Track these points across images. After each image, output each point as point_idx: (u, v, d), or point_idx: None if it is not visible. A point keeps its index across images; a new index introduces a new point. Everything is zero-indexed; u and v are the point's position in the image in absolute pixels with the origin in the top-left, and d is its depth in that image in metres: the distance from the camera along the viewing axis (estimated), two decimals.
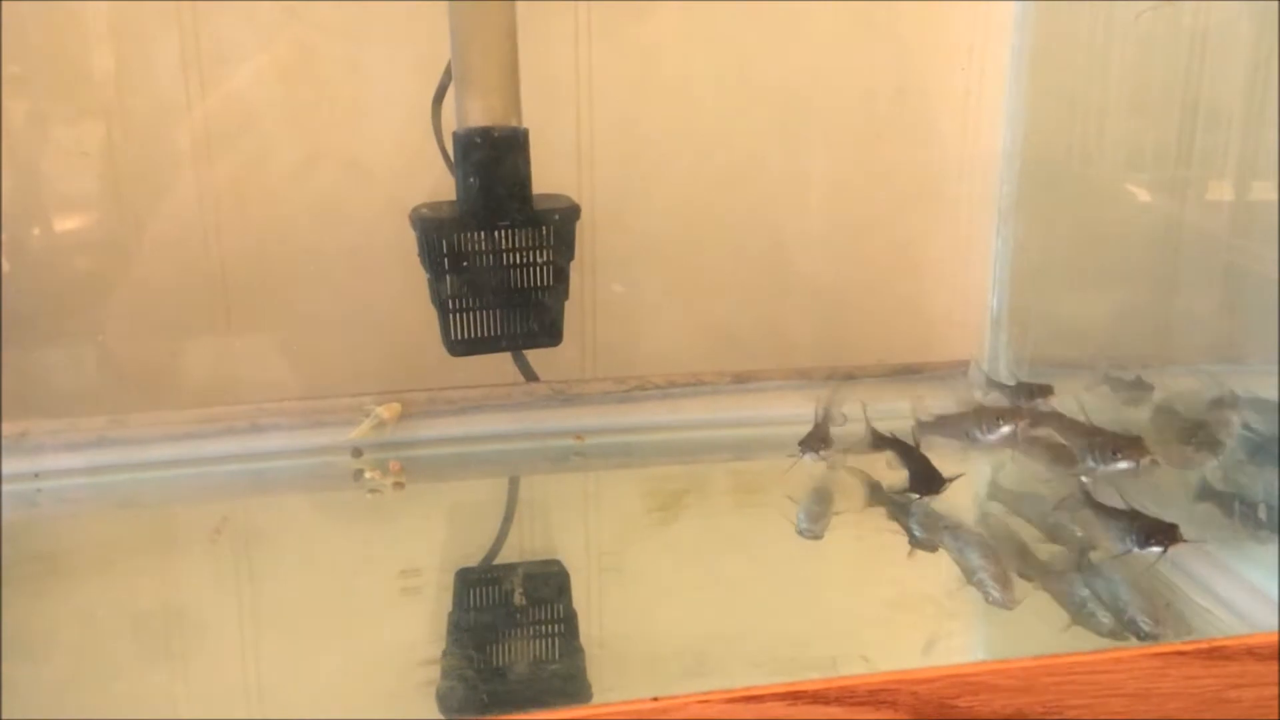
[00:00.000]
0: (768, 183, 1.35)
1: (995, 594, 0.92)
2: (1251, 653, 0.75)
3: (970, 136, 1.35)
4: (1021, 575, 0.96)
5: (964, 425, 1.11)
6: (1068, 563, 0.98)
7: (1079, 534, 1.01)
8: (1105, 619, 0.88)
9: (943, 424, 1.14)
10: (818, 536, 1.05)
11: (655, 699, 0.69)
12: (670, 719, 0.69)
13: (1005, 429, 1.09)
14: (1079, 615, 0.89)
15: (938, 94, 1.34)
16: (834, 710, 0.71)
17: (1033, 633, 0.90)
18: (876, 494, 1.13)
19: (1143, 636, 0.86)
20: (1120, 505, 0.95)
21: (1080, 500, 1.00)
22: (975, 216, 1.37)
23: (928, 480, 1.07)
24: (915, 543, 1.03)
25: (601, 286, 1.33)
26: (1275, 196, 1.07)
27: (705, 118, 1.32)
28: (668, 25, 1.29)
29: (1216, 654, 0.74)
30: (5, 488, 1.12)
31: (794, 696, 0.70)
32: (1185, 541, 0.89)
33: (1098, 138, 1.23)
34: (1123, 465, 0.98)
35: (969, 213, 1.37)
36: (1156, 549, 0.90)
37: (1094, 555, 0.97)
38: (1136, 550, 0.90)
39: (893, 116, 1.34)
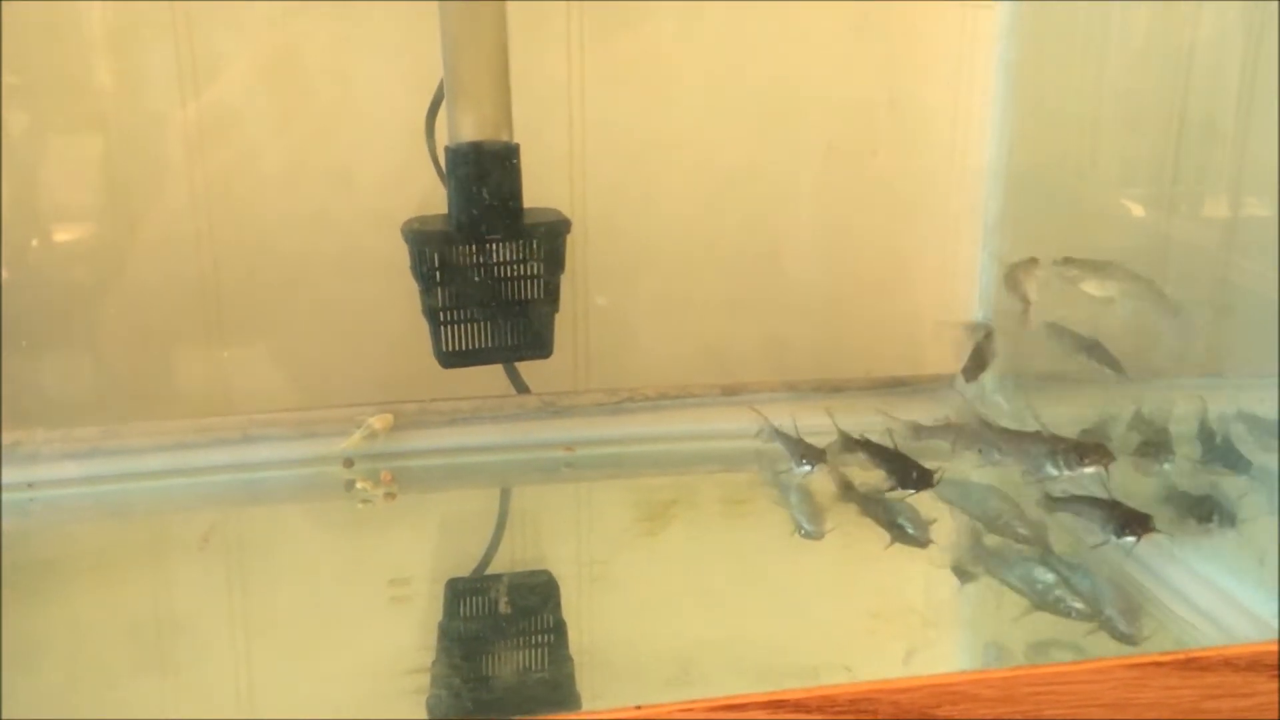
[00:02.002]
0: (758, 195, 1.35)
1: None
2: (1229, 663, 0.75)
3: (959, 148, 1.36)
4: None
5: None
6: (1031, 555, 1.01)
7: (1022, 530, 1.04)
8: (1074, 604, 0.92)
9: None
10: (820, 536, 1.06)
11: (638, 707, 0.70)
12: None
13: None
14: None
15: (927, 106, 1.35)
16: (815, 719, 0.71)
17: (1017, 641, 0.91)
18: (850, 493, 1.14)
19: (1105, 622, 0.90)
20: (1100, 496, 0.98)
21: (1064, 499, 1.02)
22: (964, 229, 1.37)
23: (920, 475, 1.08)
24: (906, 539, 1.04)
25: (593, 299, 1.34)
26: (1264, 212, 1.08)
27: (697, 130, 1.32)
28: (659, 38, 1.29)
29: (1194, 665, 0.75)
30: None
31: (775, 705, 0.71)
32: (1158, 531, 0.93)
33: (1086, 151, 1.23)
34: None
35: (958, 225, 1.38)
36: (1131, 538, 0.93)
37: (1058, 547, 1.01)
38: (1114, 540, 0.94)
39: (884, 128, 1.35)
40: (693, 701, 0.70)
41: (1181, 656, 0.75)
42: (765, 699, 0.71)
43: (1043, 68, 1.27)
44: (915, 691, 0.72)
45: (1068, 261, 1.13)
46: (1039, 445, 1.03)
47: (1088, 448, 0.99)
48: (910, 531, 1.05)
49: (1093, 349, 1.13)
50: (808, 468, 1.11)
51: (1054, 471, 1.00)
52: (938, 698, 0.73)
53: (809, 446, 1.13)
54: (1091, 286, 1.12)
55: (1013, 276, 1.16)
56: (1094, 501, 0.99)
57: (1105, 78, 1.22)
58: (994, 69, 1.31)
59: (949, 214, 1.38)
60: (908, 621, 0.95)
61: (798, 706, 0.71)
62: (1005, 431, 1.10)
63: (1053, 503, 1.03)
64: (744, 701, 0.71)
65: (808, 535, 1.07)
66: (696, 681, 0.85)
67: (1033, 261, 1.16)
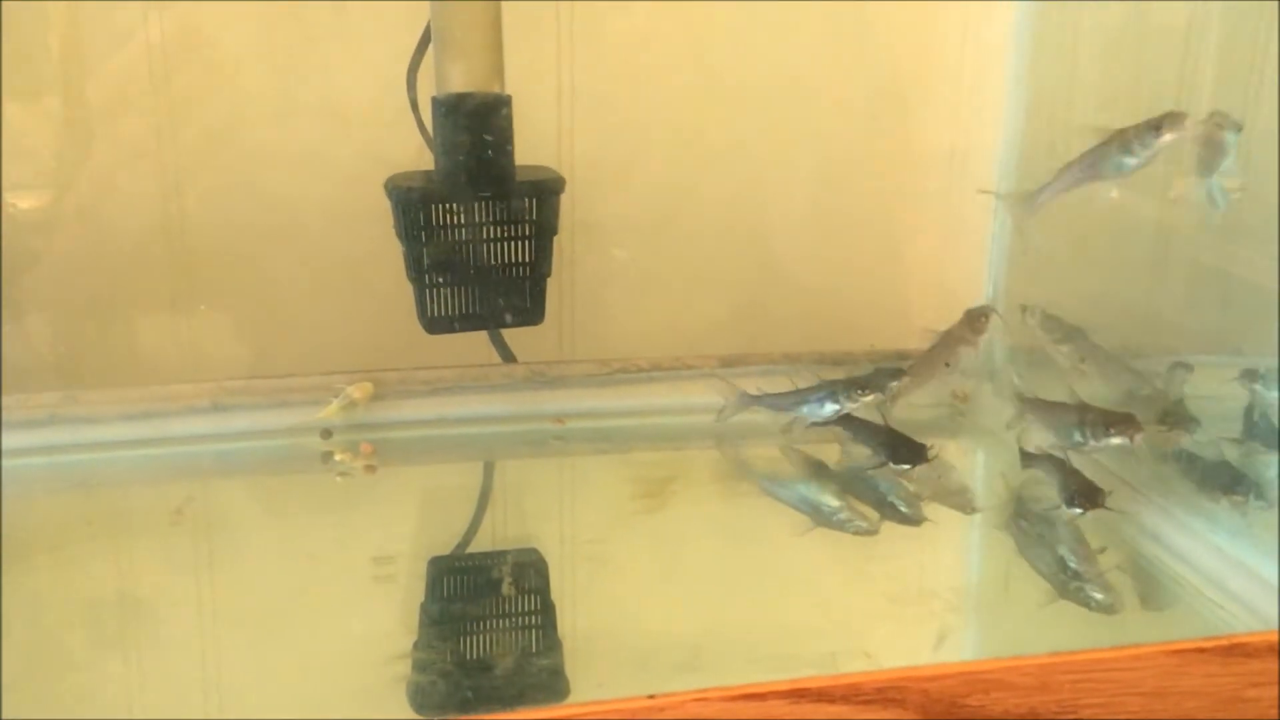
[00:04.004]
0: (756, 168, 1.32)
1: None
2: (1273, 650, 0.72)
3: (963, 125, 1.33)
4: None
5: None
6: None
7: None
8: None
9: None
10: (918, 522, 1.04)
11: (652, 697, 0.65)
12: (667, 716, 0.65)
13: None
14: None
15: (932, 82, 1.32)
16: (839, 709, 0.67)
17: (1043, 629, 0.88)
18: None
19: (1070, 575, 0.94)
20: (1069, 466, 1.01)
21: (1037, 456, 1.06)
22: (966, 205, 1.33)
23: (912, 451, 1.06)
24: (900, 517, 1.03)
25: (580, 264, 1.29)
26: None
27: (693, 99, 1.28)
28: (656, 6, 1.25)
29: (1236, 651, 0.72)
30: None
31: (797, 694, 0.67)
32: (1106, 508, 0.96)
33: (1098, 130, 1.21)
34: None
35: (960, 202, 1.34)
36: (1076, 510, 0.97)
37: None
38: (1064, 509, 0.98)
39: (886, 104, 1.32)
40: (708, 690, 0.66)
41: (1225, 643, 0.72)
42: (786, 688, 0.67)
43: (1058, 46, 1.24)
44: (945, 679, 0.69)
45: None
46: (1068, 414, 1.02)
47: (1116, 418, 0.98)
48: (903, 510, 1.04)
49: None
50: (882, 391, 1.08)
51: (1081, 440, 1.00)
52: (969, 686, 0.69)
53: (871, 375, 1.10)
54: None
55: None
56: (1059, 466, 1.02)
57: (1120, 56, 1.19)
58: (1003, 45, 1.28)
59: (954, 189, 1.34)
60: (926, 605, 0.92)
61: (820, 695, 0.67)
62: (1036, 401, 1.10)
63: (1026, 458, 1.07)
64: (764, 691, 0.67)
65: (863, 531, 1.03)
66: (708, 668, 0.82)
67: None
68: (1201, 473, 0.98)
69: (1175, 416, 1.01)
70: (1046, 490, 1.04)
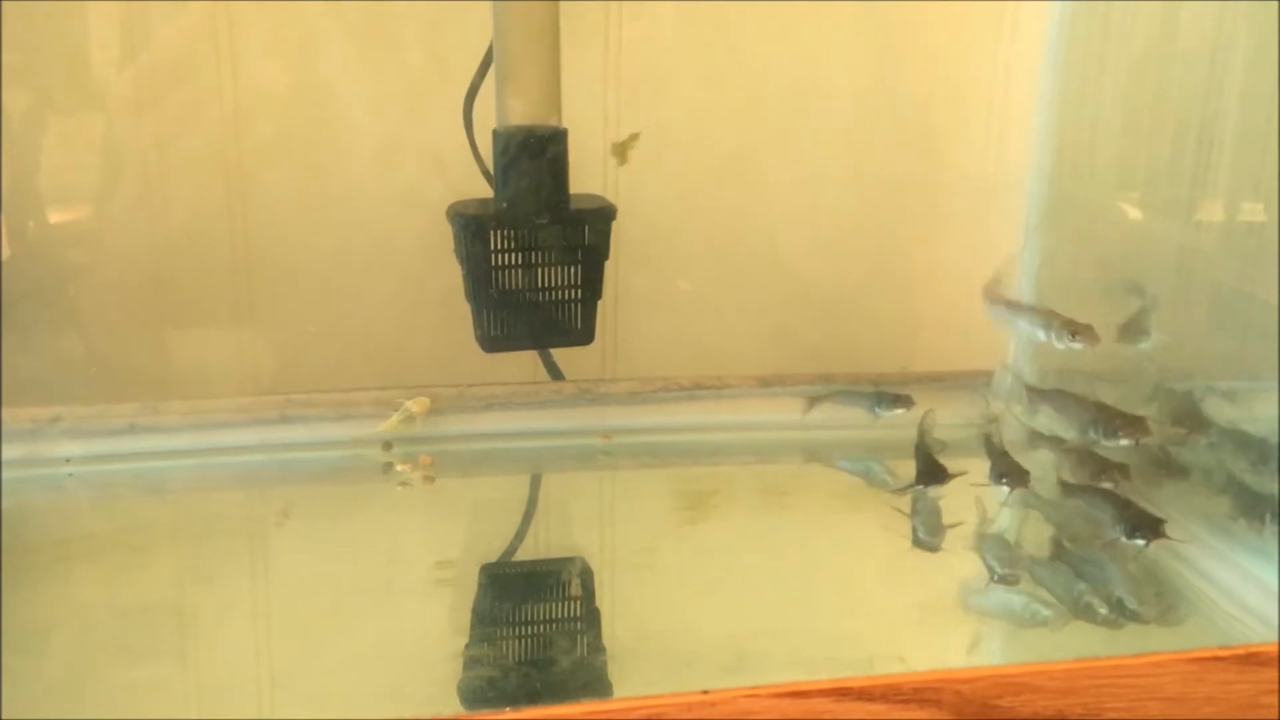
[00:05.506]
0: (794, 193, 1.35)
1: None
2: None
3: (995, 147, 1.36)
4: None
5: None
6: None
7: None
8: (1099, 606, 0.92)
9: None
10: (936, 549, 1.05)
11: (705, 692, 0.70)
12: (719, 712, 0.70)
13: None
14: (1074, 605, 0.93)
15: (964, 108, 1.35)
16: (879, 707, 0.71)
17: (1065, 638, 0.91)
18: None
19: (1129, 616, 0.90)
20: (1116, 494, 0.99)
21: (1080, 488, 1.03)
22: (998, 229, 1.36)
23: (933, 472, 1.09)
24: (916, 541, 1.05)
25: (622, 286, 1.32)
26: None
27: (731, 126, 1.32)
28: (696, 29, 1.29)
29: (1252, 660, 0.75)
30: (35, 472, 1.12)
31: (840, 693, 0.71)
32: (1169, 538, 0.93)
33: (1131, 153, 1.23)
34: None
35: (991, 225, 1.37)
36: (1140, 541, 0.93)
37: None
38: (1123, 540, 0.94)
39: (920, 129, 1.35)
40: (757, 687, 0.70)
41: (1241, 651, 0.75)
42: (830, 686, 0.71)
43: (1090, 68, 1.26)
44: (978, 682, 0.72)
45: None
46: (1085, 409, 1.04)
47: (1126, 419, 1.00)
48: (920, 535, 1.06)
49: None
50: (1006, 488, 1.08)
51: (1093, 437, 1.01)
52: (1000, 688, 0.73)
53: (1011, 463, 1.10)
54: None
55: None
56: (1107, 496, 0.99)
57: (1152, 80, 1.20)
58: (1037, 67, 1.30)
59: (985, 211, 1.38)
60: (958, 613, 0.96)
61: (861, 694, 0.71)
62: (1057, 391, 1.12)
63: (1068, 489, 1.04)
64: (808, 689, 0.71)
65: (926, 546, 1.05)
66: (749, 671, 0.85)
67: None
68: (1221, 495, 1.00)
69: (1192, 419, 1.02)
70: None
